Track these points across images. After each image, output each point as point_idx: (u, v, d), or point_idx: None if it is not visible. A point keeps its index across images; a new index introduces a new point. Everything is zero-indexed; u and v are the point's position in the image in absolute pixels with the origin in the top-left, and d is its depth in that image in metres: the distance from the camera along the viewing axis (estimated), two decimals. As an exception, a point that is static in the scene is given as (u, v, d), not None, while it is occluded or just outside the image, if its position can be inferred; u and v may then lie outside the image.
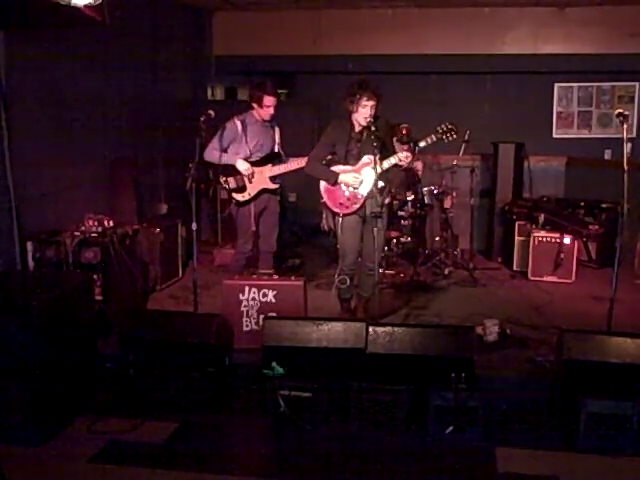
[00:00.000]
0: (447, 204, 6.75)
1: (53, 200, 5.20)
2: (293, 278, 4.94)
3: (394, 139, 5.65)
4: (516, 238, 6.85)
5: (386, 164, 4.65)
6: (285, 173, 5.49)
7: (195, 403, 4.07)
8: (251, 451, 3.82)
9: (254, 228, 5.51)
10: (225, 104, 8.54)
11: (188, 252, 6.37)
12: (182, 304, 5.64)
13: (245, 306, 4.75)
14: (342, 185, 4.83)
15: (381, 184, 4.62)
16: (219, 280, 5.14)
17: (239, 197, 5.42)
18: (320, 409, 3.93)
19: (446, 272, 6.58)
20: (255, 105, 5.36)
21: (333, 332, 4.04)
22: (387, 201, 4.93)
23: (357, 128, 4.77)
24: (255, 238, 5.62)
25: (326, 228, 5.10)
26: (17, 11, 4.03)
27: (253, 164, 5.39)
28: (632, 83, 7.87)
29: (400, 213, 6.54)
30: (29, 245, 4.82)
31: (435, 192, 6.63)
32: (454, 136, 4.77)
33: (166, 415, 4.00)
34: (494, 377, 4.18)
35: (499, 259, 7.26)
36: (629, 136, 4.24)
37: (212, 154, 5.33)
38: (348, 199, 4.83)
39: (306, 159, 5.03)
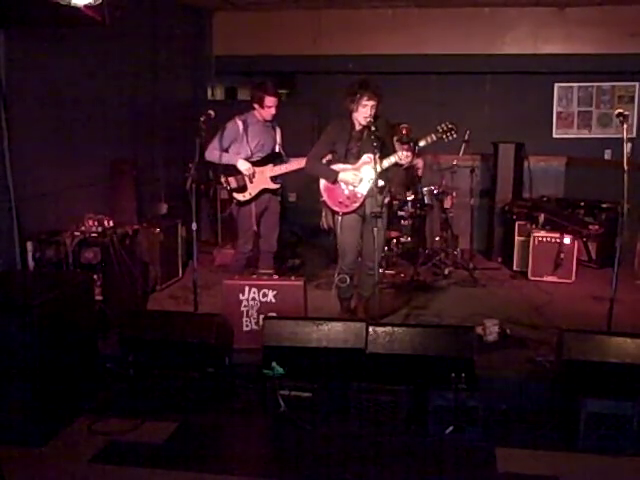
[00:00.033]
0: (447, 204, 6.74)
1: (53, 200, 5.19)
2: (293, 278, 4.94)
3: (394, 139, 5.65)
4: (516, 238, 6.85)
5: (386, 163, 4.65)
6: (286, 173, 5.51)
7: (195, 403, 4.07)
8: (251, 451, 3.82)
9: (255, 228, 5.52)
10: (225, 104, 8.55)
11: (188, 252, 6.36)
12: (182, 304, 5.64)
13: (245, 306, 4.74)
14: (342, 184, 4.82)
15: (381, 183, 4.64)
16: (219, 280, 5.13)
17: (240, 197, 5.43)
18: (320, 409, 3.93)
19: (446, 272, 6.58)
20: (256, 105, 5.37)
21: (333, 332, 4.04)
22: (387, 200, 4.93)
23: (357, 127, 4.78)
24: (255, 238, 5.62)
25: (325, 227, 5.10)
26: (17, 11, 4.05)
27: (254, 164, 5.40)
28: (632, 83, 7.87)
29: (400, 213, 6.53)
30: (29, 245, 4.82)
31: (435, 192, 6.63)
32: (454, 135, 4.77)
33: (166, 415, 4.00)
34: (494, 377, 4.17)
35: (499, 259, 7.26)
36: (629, 136, 4.24)
37: (213, 154, 5.34)
38: (348, 198, 4.83)
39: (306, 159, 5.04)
